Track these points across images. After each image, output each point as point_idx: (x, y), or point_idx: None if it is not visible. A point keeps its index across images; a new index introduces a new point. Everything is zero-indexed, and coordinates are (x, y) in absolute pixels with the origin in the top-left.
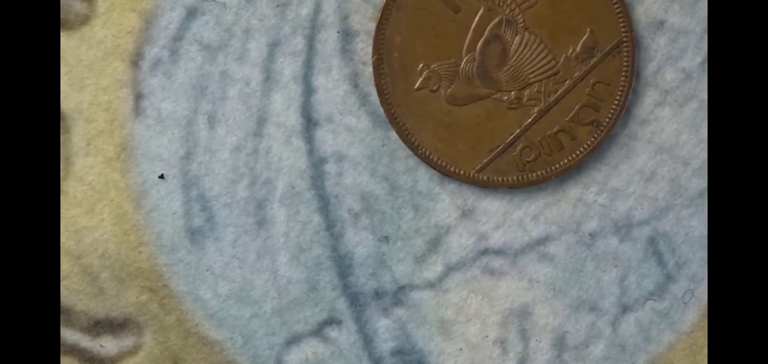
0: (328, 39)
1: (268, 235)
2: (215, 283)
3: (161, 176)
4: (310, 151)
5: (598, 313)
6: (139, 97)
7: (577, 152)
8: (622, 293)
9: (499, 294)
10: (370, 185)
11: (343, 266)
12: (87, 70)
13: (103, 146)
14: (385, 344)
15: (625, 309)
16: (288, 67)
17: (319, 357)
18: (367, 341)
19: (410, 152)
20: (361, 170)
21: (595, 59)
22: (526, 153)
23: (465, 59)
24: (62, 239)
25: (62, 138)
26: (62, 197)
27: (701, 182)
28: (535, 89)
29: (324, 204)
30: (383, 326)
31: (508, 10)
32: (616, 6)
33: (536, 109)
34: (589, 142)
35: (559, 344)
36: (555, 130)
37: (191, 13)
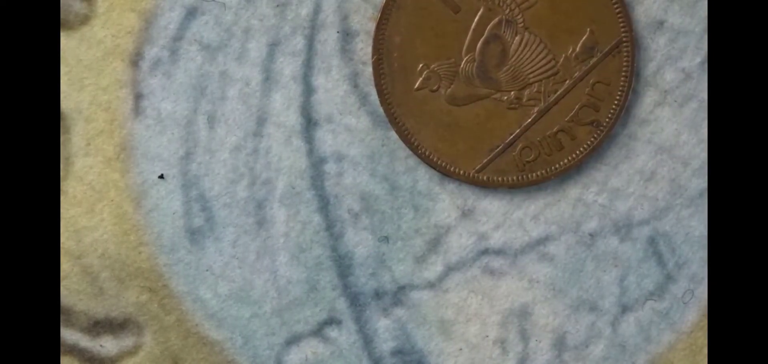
0: (328, 39)
1: (268, 235)
2: (215, 283)
3: (161, 176)
4: (310, 151)
5: (598, 313)
6: (138, 97)
7: (577, 152)
8: (622, 293)
9: (499, 294)
10: (370, 185)
11: (343, 266)
12: (87, 70)
13: (103, 146)
14: (385, 344)
15: (625, 309)
16: (288, 67)
17: (319, 357)
18: (367, 341)
19: (410, 152)
20: (361, 170)
21: (594, 59)
22: (525, 153)
23: (465, 59)
24: (62, 239)
25: (62, 138)
26: (62, 197)
27: (701, 182)
28: (535, 89)
29: (324, 204)
30: (383, 326)
31: (507, 10)
32: (615, 6)
33: (536, 109)
34: (588, 142)
35: (559, 344)
36: (555, 130)
37: (191, 13)
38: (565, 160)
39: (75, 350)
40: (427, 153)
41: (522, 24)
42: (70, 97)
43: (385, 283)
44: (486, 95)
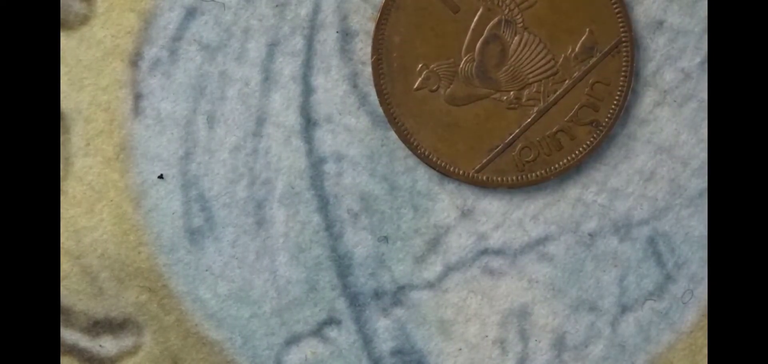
0: (328, 39)
1: (268, 235)
2: (215, 283)
3: (160, 176)
4: (310, 152)
5: (598, 313)
6: (138, 97)
7: (577, 152)
8: (621, 293)
9: (498, 294)
10: (370, 184)
11: (342, 266)
12: (86, 71)
13: (103, 146)
14: (385, 344)
15: (624, 309)
16: (287, 67)
17: (318, 357)
18: (367, 341)
19: (409, 152)
20: (361, 170)
21: (594, 59)
22: (525, 153)
23: (464, 59)
24: (62, 239)
25: (62, 138)
26: (62, 197)
27: (701, 182)
28: (535, 89)
29: (323, 204)
30: (383, 326)
31: (507, 10)
32: (615, 6)
33: (535, 109)
34: (588, 142)
35: (559, 344)
36: (554, 130)
37: (190, 13)
38: (565, 161)
39: (75, 350)
40: (426, 153)
41: (521, 24)
42: (69, 98)
43: (385, 283)
44: (485, 95)
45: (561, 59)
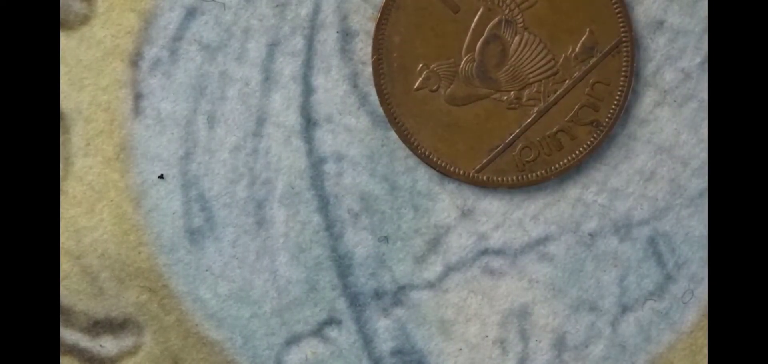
0: (328, 39)
1: (268, 235)
2: (215, 283)
3: (161, 176)
4: (310, 151)
5: (598, 313)
6: (138, 97)
7: (577, 152)
8: (621, 293)
9: (498, 294)
10: (370, 185)
11: (342, 266)
12: (86, 70)
13: (103, 146)
14: (385, 344)
15: (624, 309)
16: (287, 67)
17: (318, 357)
18: (367, 341)
19: (410, 152)
20: (361, 170)
21: (594, 59)
22: (525, 153)
23: (464, 59)
24: (62, 239)
25: (62, 138)
26: (62, 197)
27: (701, 182)
28: (535, 89)
29: (323, 204)
30: (383, 326)
31: (507, 10)
32: (615, 6)
33: (536, 109)
34: (588, 142)
35: (559, 344)
36: (554, 130)
37: (191, 13)
38: (565, 160)
39: (75, 350)
40: (426, 153)
41: (521, 24)
42: (69, 98)
43: (385, 283)
44: (485, 95)
45: (561, 59)
